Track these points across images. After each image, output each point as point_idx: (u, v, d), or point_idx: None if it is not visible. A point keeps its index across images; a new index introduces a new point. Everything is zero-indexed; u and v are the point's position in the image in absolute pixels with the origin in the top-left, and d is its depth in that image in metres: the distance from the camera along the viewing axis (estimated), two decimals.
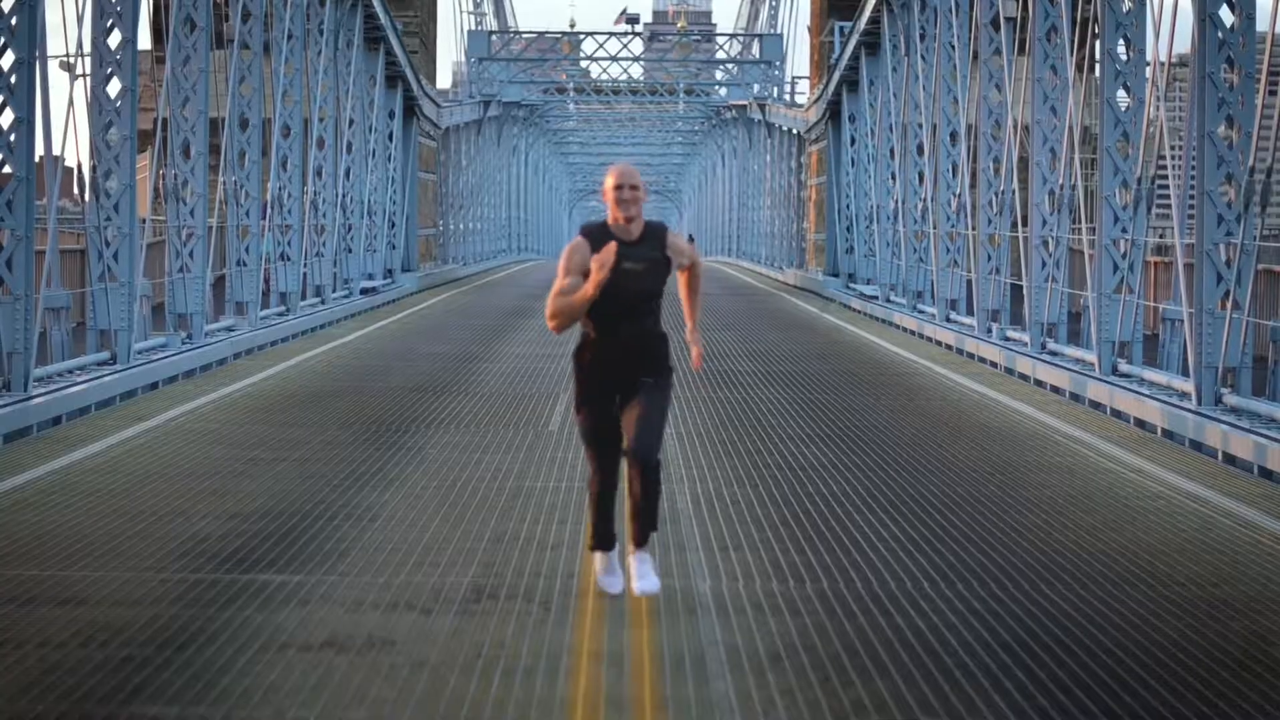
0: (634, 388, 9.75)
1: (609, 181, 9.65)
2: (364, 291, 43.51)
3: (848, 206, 49.68)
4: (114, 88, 22.88)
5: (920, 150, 37.50)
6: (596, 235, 9.68)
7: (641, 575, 9.78)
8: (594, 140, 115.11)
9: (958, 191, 33.49)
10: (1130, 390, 20.08)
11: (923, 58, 37.16)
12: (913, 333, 33.98)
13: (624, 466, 9.84)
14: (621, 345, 9.74)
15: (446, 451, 16.32)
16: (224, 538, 11.80)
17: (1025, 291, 26.56)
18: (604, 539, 9.97)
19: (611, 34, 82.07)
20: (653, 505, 9.75)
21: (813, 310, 44.01)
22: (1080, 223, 25.02)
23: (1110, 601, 10.17)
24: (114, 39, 22.94)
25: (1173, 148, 21.68)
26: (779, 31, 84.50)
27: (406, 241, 52.67)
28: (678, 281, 10.18)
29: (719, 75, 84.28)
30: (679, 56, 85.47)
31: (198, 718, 7.65)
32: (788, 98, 76.67)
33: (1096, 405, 20.79)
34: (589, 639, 9.08)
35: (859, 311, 42.07)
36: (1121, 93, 23.07)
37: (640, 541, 9.82)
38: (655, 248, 9.73)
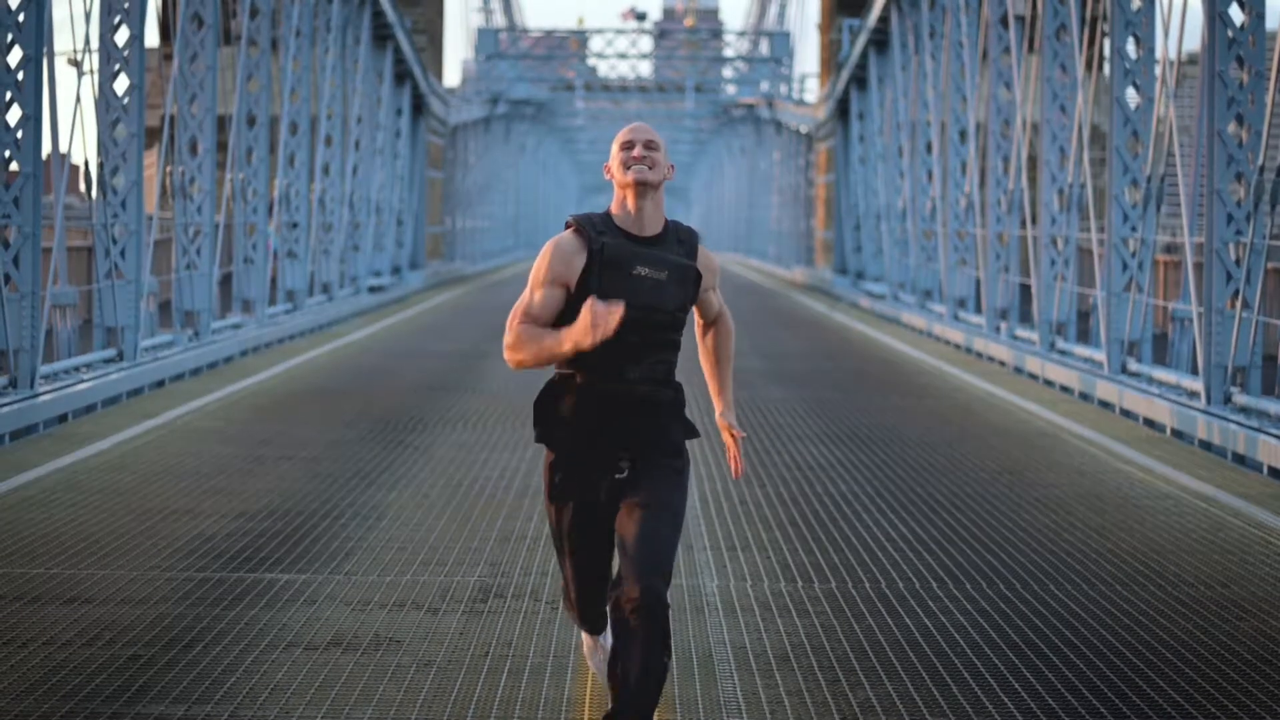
0: (632, 475, 6.56)
1: (616, 143, 6.53)
2: (371, 289, 43.51)
3: (856, 205, 49.64)
4: (121, 84, 22.86)
5: (929, 148, 37.46)
6: (594, 229, 6.47)
7: None
8: (602, 138, 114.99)
9: (966, 190, 33.45)
10: (1139, 389, 20.04)
11: (932, 56, 37.12)
12: (921, 331, 33.94)
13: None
14: (619, 399, 6.48)
15: (454, 450, 16.29)
16: (230, 536, 11.78)
17: (1034, 290, 26.52)
18: (592, 623, 6.99)
19: (620, 31, 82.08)
20: (652, 672, 6.38)
21: (821, 308, 43.99)
22: (1089, 221, 24.95)
23: (1119, 602, 10.13)
24: (121, 36, 22.92)
25: (1182, 146, 21.62)
26: (788, 29, 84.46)
27: (414, 239, 52.66)
28: (695, 331, 6.93)
29: (727, 73, 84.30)
30: (687, 54, 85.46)
31: (204, 717, 7.62)
32: (796, 95, 76.66)
33: (1105, 404, 20.75)
34: None
35: (867, 310, 42.04)
36: (1131, 91, 23.01)
37: None
38: (684, 253, 6.55)
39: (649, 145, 6.47)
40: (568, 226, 6.53)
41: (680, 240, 6.56)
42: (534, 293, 6.45)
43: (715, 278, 6.73)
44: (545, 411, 6.57)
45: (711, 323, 6.84)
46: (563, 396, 6.53)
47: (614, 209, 6.51)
